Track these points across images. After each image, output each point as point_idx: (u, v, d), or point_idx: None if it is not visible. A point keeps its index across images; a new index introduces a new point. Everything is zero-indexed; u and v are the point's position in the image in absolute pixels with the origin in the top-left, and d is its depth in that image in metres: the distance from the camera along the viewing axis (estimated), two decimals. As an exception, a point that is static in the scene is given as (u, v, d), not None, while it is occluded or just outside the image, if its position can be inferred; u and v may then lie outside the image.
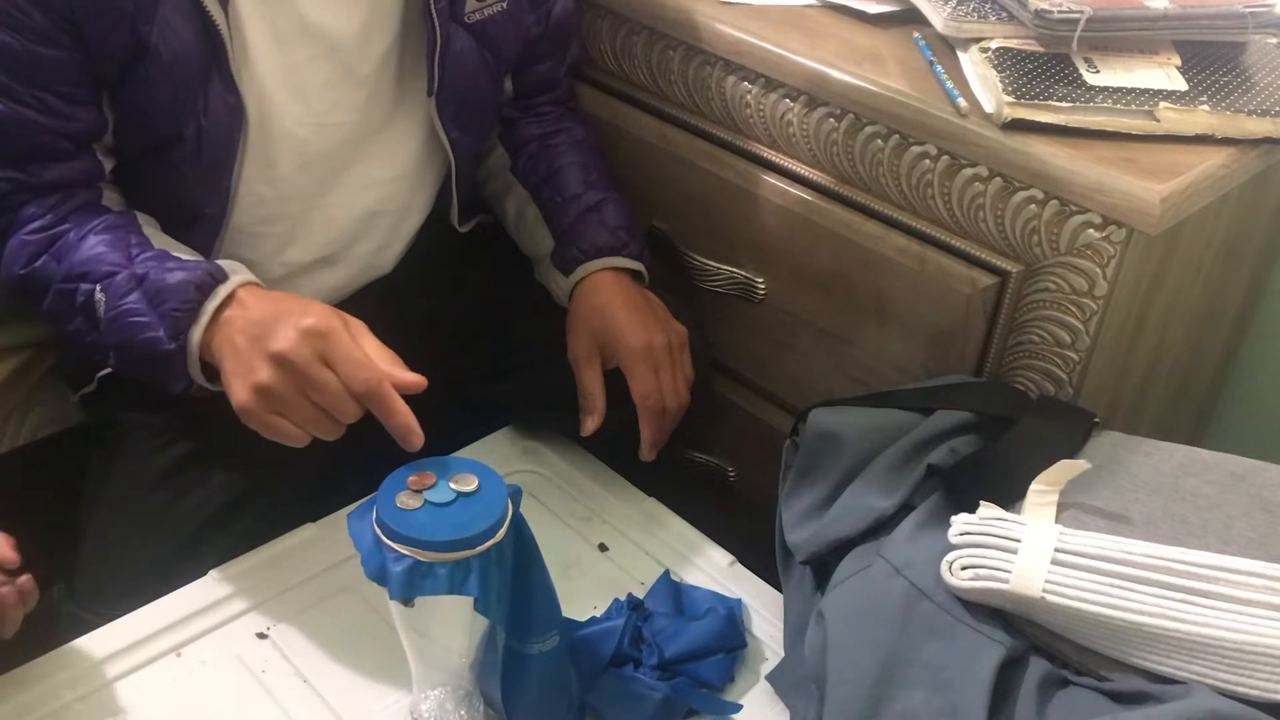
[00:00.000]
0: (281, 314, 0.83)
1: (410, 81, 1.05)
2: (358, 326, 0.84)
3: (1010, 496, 0.82)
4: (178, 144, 0.94)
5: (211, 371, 0.89)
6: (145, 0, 0.87)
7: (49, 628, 0.98)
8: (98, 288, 0.90)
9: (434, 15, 0.99)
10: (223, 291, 0.88)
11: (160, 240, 0.94)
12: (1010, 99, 0.92)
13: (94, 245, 0.91)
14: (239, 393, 0.83)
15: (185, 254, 0.93)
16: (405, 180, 1.10)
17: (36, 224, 0.92)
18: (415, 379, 0.82)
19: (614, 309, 1.05)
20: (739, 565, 1.03)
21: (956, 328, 0.99)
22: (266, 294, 0.89)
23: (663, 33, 1.11)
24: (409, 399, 0.82)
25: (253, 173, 0.99)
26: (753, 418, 1.20)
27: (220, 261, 0.90)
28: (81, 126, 0.92)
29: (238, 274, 0.89)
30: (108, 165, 0.96)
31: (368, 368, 0.81)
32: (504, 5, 1.05)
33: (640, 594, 0.96)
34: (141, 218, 0.96)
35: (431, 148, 1.10)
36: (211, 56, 0.91)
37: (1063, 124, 0.91)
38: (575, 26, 1.17)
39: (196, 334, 0.87)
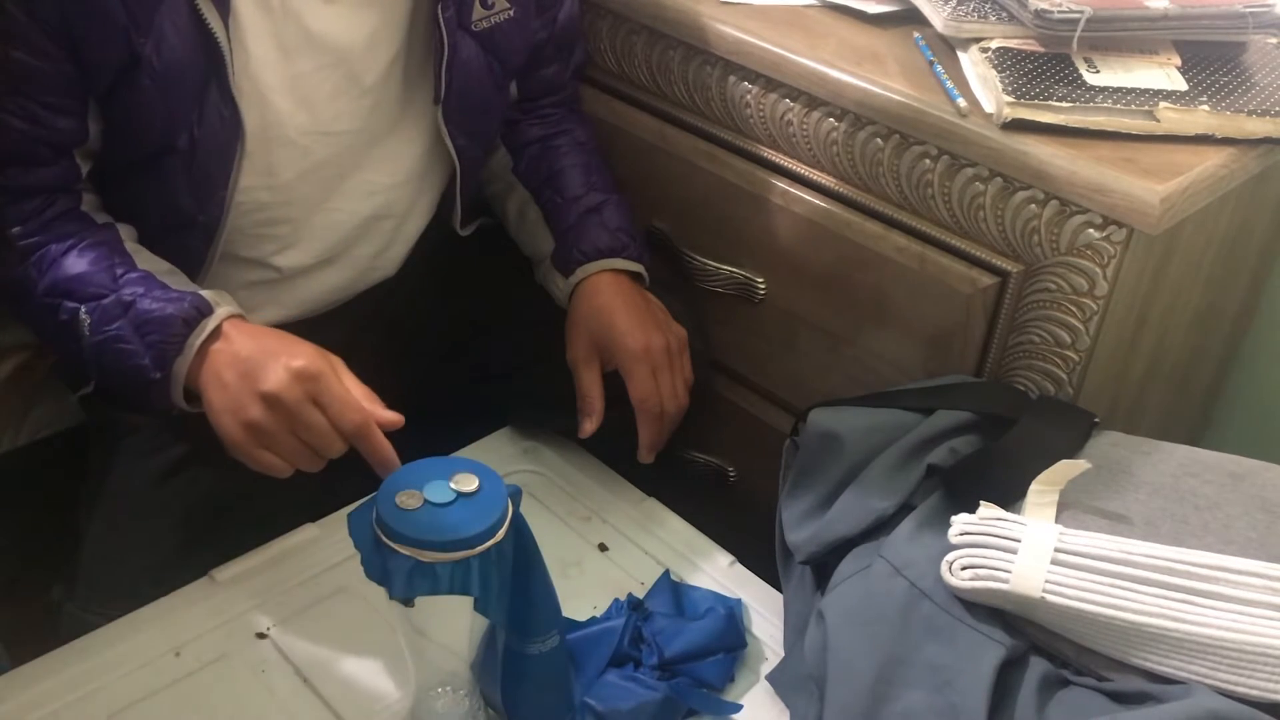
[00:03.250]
0: (270, 352, 0.86)
1: (416, 89, 1.05)
2: (339, 364, 0.87)
3: (1010, 496, 0.82)
4: (170, 155, 0.94)
5: (192, 394, 0.91)
6: (140, 11, 0.87)
7: (49, 628, 0.98)
8: (83, 309, 0.91)
9: (441, 24, 0.99)
10: (209, 325, 0.89)
11: (143, 259, 0.95)
12: (1010, 99, 0.92)
13: (75, 263, 0.92)
14: (229, 428, 0.86)
15: (168, 276, 0.94)
16: (408, 186, 1.10)
17: (15, 230, 0.93)
18: (394, 417, 0.86)
19: (613, 311, 1.05)
20: (739, 565, 1.02)
21: (956, 328, 0.99)
22: (251, 329, 0.90)
23: (663, 33, 1.11)
24: (408, 408, 0.86)
25: (253, 180, 0.98)
26: (753, 418, 1.20)
27: (204, 292, 0.91)
28: (63, 136, 0.92)
29: (222, 305, 0.91)
30: (84, 168, 0.96)
31: (356, 409, 0.85)
32: (511, 12, 1.05)
33: (640, 594, 0.96)
34: (123, 231, 0.96)
35: (435, 154, 1.10)
36: (209, 69, 0.91)
37: (1063, 124, 0.91)
38: (580, 30, 1.17)
39: (182, 366, 0.89)
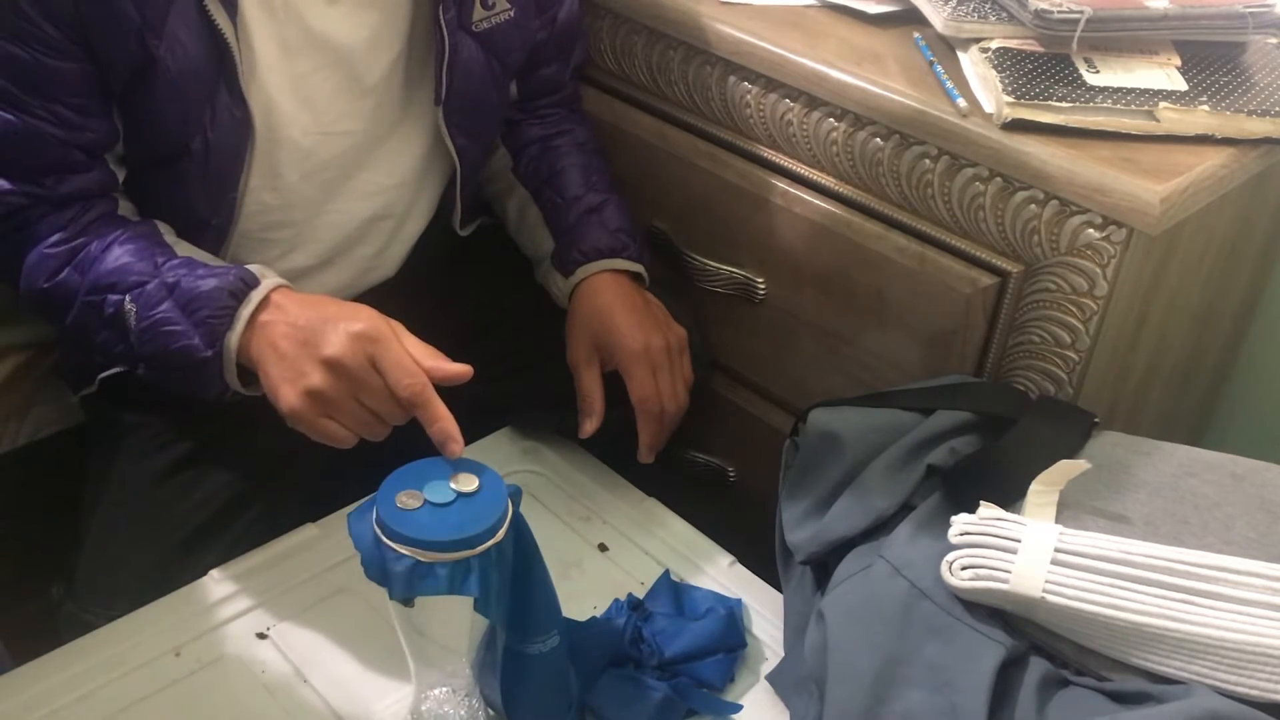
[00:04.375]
0: (328, 318, 0.84)
1: (417, 90, 1.05)
2: (400, 328, 0.85)
3: (1010, 496, 0.82)
4: (184, 156, 0.94)
5: (247, 376, 0.89)
6: (153, 13, 0.87)
7: (49, 628, 0.98)
8: (127, 298, 0.89)
9: (442, 25, 0.99)
10: (256, 296, 0.88)
11: (183, 248, 0.94)
12: (1010, 99, 0.92)
13: (119, 256, 0.91)
14: (289, 396, 0.83)
15: (210, 260, 0.93)
16: (408, 186, 1.10)
17: (56, 237, 0.92)
18: (459, 369, 0.83)
19: (613, 311, 1.05)
20: (739, 565, 1.02)
21: (956, 328, 0.99)
22: (301, 296, 0.89)
23: (663, 33, 1.11)
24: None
25: (259, 182, 0.98)
26: (753, 418, 1.20)
27: (249, 266, 0.90)
28: (95, 138, 0.92)
29: (268, 277, 0.89)
30: (120, 175, 0.96)
31: (412, 373, 0.82)
32: (511, 12, 1.05)
33: (640, 594, 0.96)
34: (161, 226, 0.96)
35: (436, 154, 1.10)
36: (219, 69, 0.91)
37: (1063, 124, 0.91)
38: (580, 29, 1.17)
39: (233, 340, 0.87)
